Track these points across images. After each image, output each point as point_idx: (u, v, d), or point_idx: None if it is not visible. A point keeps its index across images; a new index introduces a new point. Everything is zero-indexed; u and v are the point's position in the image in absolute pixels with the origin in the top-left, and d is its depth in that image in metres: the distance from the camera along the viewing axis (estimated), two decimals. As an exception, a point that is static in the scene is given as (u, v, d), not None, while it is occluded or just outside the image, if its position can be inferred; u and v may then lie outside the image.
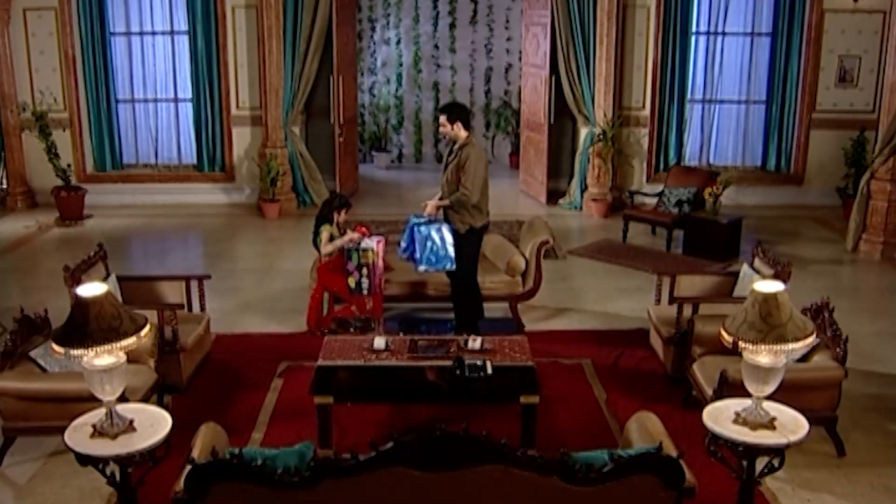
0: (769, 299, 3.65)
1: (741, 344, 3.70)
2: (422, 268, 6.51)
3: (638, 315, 7.12)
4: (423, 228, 6.46)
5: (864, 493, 4.76)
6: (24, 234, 10.30)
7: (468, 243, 6.55)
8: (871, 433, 5.41)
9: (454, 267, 6.52)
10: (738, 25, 11.57)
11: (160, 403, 5.20)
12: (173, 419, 3.79)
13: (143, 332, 3.63)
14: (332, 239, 6.78)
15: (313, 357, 5.54)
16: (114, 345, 3.51)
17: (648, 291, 7.10)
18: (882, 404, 5.84)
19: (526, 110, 12.15)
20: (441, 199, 6.54)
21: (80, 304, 3.52)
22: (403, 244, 6.62)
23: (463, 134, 6.39)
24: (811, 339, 3.73)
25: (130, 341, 3.56)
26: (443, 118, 6.44)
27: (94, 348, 3.48)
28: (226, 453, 3.32)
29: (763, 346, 3.64)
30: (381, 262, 6.75)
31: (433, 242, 6.44)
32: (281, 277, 8.55)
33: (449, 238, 6.47)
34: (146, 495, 3.94)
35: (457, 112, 6.45)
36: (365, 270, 6.70)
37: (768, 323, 3.62)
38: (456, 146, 6.44)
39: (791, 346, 3.63)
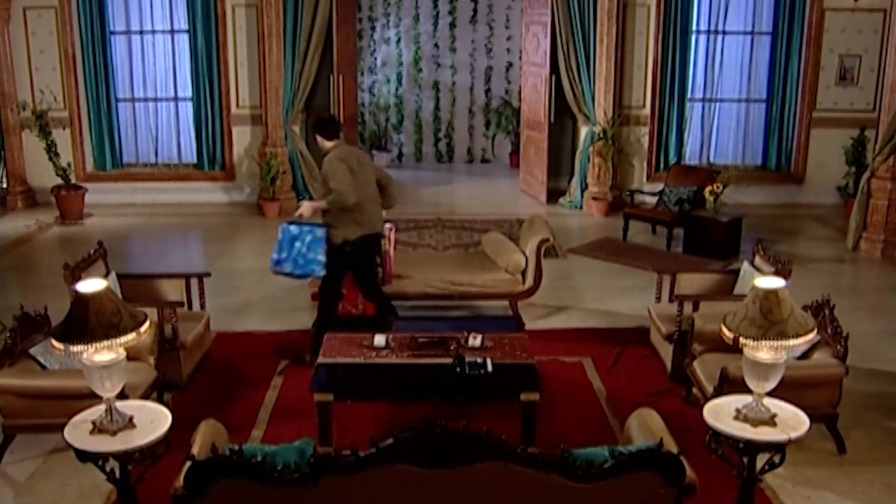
0: (770, 295, 3.65)
1: (742, 340, 3.70)
2: (282, 269, 6.19)
3: (638, 313, 7.11)
4: (292, 228, 6.17)
5: (865, 490, 4.75)
6: (23, 233, 10.30)
7: (339, 255, 6.20)
8: (871, 431, 5.41)
9: (321, 273, 6.21)
10: (738, 24, 11.57)
11: (160, 401, 5.17)
12: (173, 417, 3.79)
13: (142, 329, 3.63)
14: None
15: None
16: (114, 341, 3.51)
17: (649, 290, 7.09)
18: (883, 402, 5.83)
19: (526, 109, 12.15)
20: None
21: (79, 300, 3.52)
22: (275, 255, 6.23)
23: (328, 144, 6.26)
24: (812, 336, 3.73)
25: (130, 337, 3.56)
26: (315, 135, 6.38)
27: (94, 344, 3.48)
28: (226, 450, 3.32)
29: (764, 343, 3.63)
30: (392, 251, 6.65)
31: (302, 243, 6.14)
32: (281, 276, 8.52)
33: (321, 244, 6.13)
34: (146, 492, 3.93)
35: (316, 127, 6.41)
36: (378, 259, 6.62)
37: (769, 319, 3.61)
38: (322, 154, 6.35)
39: (792, 342, 3.63)
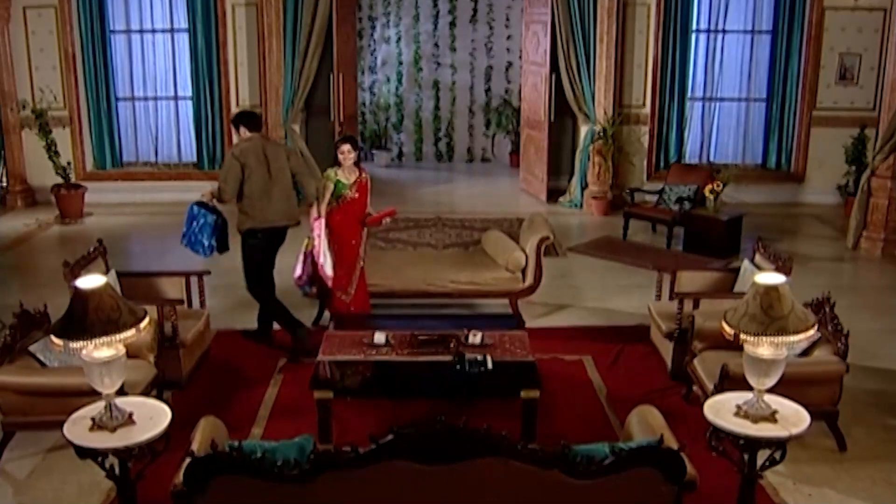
0: (770, 291, 3.64)
1: (742, 336, 3.69)
2: (183, 242, 6.53)
3: (638, 312, 7.11)
4: (195, 208, 6.50)
5: (866, 487, 4.75)
6: (23, 231, 10.29)
7: (245, 246, 6.59)
8: (872, 429, 5.40)
9: (206, 256, 6.53)
10: (738, 23, 11.57)
11: (160, 399, 5.17)
12: (173, 414, 3.78)
13: (142, 325, 3.62)
14: (336, 187, 6.58)
15: (313, 353, 5.52)
16: (113, 337, 3.50)
17: (649, 288, 7.08)
18: (883, 400, 5.82)
19: (526, 108, 12.14)
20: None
21: (79, 297, 3.51)
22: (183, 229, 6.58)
23: (244, 137, 6.53)
24: (812, 332, 3.73)
25: (130, 334, 3.56)
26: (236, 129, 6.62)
27: (94, 340, 3.47)
28: (225, 446, 3.31)
29: (764, 339, 3.63)
30: (319, 248, 6.60)
31: (197, 224, 6.45)
32: (281, 275, 8.46)
33: (212, 230, 6.45)
34: (146, 490, 3.94)
35: (236, 117, 6.68)
36: (301, 257, 6.75)
37: (770, 315, 3.61)
38: None
39: (792, 338, 3.63)
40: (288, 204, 6.60)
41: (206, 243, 6.45)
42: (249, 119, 6.62)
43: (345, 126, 11.43)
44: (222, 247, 6.56)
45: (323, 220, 6.62)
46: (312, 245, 6.64)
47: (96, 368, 3.56)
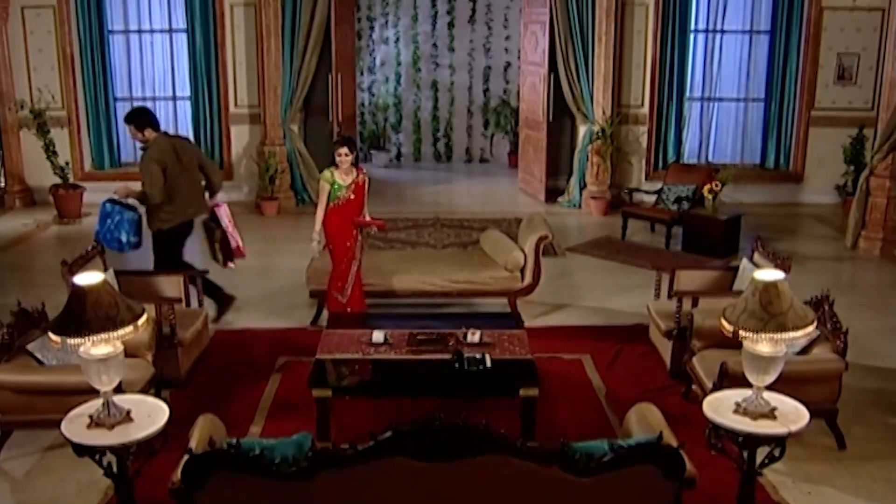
0: (770, 288, 3.64)
1: (742, 333, 3.69)
2: (98, 239, 6.57)
3: (637, 311, 7.10)
4: (108, 206, 6.60)
5: (865, 485, 4.74)
6: (22, 231, 10.28)
7: (158, 245, 6.73)
8: (871, 427, 5.40)
9: (126, 251, 6.65)
10: (736, 23, 11.57)
11: (158, 398, 5.17)
12: (171, 412, 3.77)
13: (140, 322, 3.61)
14: (332, 185, 6.56)
15: (312, 352, 5.51)
16: (111, 334, 3.49)
17: (647, 288, 7.07)
18: (883, 399, 5.82)
19: (525, 108, 12.14)
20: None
21: (76, 293, 3.51)
22: (95, 228, 6.68)
23: (151, 136, 6.64)
24: (812, 328, 3.72)
25: (128, 330, 3.55)
26: (131, 128, 6.71)
27: (91, 337, 3.46)
28: (223, 443, 3.30)
29: (764, 335, 3.62)
30: (230, 226, 6.93)
31: (112, 221, 6.56)
32: (279, 274, 8.53)
33: (130, 227, 6.58)
34: (143, 488, 3.92)
35: (140, 118, 6.74)
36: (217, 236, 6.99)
37: (769, 312, 3.60)
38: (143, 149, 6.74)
39: (791, 334, 3.62)
40: (201, 195, 6.90)
41: (126, 239, 6.57)
42: (152, 118, 6.78)
43: (343, 126, 11.44)
44: (139, 242, 6.67)
45: (225, 207, 6.97)
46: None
47: (94, 365, 3.55)
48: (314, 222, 6.65)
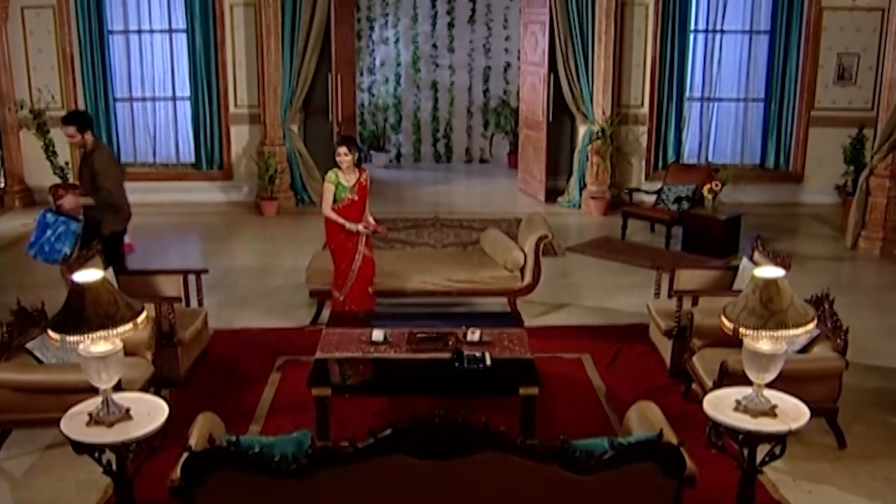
0: (770, 285, 3.63)
1: (742, 330, 3.68)
2: (30, 252, 6.52)
3: (637, 311, 7.10)
4: (49, 216, 6.54)
5: (865, 484, 4.74)
6: (21, 231, 10.23)
7: (109, 248, 6.58)
8: (871, 426, 5.39)
9: (58, 264, 6.38)
10: (736, 23, 11.57)
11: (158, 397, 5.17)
12: (170, 410, 3.76)
13: (139, 319, 3.60)
14: (336, 186, 6.52)
15: (311, 352, 5.51)
16: (110, 331, 3.48)
17: (647, 288, 7.07)
18: (883, 398, 5.81)
19: (524, 109, 12.14)
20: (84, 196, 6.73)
21: (76, 290, 3.50)
22: (31, 240, 6.59)
23: (91, 139, 6.66)
24: (812, 326, 3.71)
25: (127, 328, 3.54)
26: (71, 129, 6.62)
27: (91, 334, 3.45)
28: (223, 441, 3.30)
29: (764, 333, 3.62)
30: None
31: (54, 232, 6.49)
32: (279, 274, 8.53)
33: (73, 238, 6.53)
34: (143, 487, 3.91)
35: (83, 120, 6.71)
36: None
37: (769, 309, 3.60)
38: (87, 152, 6.68)
39: (792, 332, 3.62)
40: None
41: (69, 251, 6.51)
42: (91, 121, 6.81)
43: (343, 126, 11.44)
44: (73, 253, 6.57)
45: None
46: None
47: (93, 363, 3.54)
48: (343, 221, 6.51)
